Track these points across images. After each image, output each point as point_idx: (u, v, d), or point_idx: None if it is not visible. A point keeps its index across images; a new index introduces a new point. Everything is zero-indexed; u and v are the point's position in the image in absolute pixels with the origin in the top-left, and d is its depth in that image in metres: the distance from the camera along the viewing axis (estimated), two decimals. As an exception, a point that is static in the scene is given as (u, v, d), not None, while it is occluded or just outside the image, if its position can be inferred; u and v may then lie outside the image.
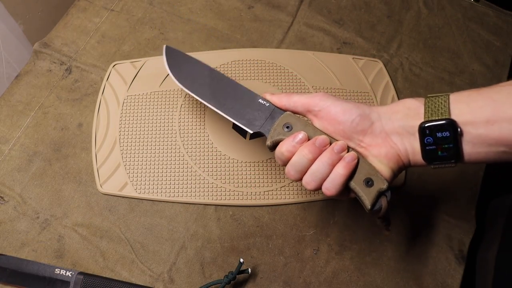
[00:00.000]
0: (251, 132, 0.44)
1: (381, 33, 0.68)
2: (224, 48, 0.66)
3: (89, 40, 0.66)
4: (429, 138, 0.37)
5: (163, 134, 0.59)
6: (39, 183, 0.56)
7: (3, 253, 0.52)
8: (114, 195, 0.56)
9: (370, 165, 0.40)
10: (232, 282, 0.50)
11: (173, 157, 0.58)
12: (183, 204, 0.56)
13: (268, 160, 0.57)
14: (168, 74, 0.62)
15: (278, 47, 0.66)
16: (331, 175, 0.39)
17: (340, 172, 0.39)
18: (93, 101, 0.61)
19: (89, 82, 0.63)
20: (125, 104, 0.61)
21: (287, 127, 0.42)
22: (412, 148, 0.39)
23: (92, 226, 0.54)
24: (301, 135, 0.40)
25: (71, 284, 0.50)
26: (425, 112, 0.38)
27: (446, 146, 0.37)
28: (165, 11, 0.69)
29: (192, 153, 0.58)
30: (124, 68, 0.63)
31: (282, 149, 0.41)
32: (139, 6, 0.69)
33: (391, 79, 0.64)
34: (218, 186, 0.56)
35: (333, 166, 0.39)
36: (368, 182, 0.39)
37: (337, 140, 0.41)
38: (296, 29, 0.68)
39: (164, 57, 0.51)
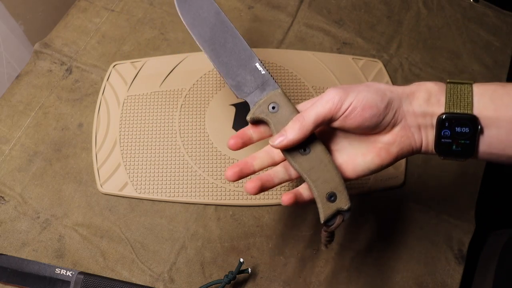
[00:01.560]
0: (238, 97, 0.41)
1: (381, 33, 0.68)
2: (224, 48, 0.66)
3: (89, 40, 0.66)
4: (446, 131, 0.36)
5: (163, 134, 0.59)
6: (39, 183, 0.56)
7: (4, 253, 0.52)
8: (114, 195, 0.56)
9: (341, 180, 0.38)
10: (232, 282, 0.50)
11: (173, 157, 0.58)
12: (183, 204, 0.56)
13: (268, 160, 0.57)
14: (168, 74, 0.63)
15: (278, 47, 0.67)
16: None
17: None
18: (93, 101, 0.62)
19: (89, 82, 0.63)
20: (125, 104, 0.61)
21: (273, 107, 0.39)
22: (427, 138, 0.37)
23: (92, 226, 0.54)
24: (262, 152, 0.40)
25: (72, 284, 0.50)
26: (446, 101, 0.36)
27: (462, 141, 0.36)
28: (165, 11, 0.69)
29: (192, 153, 0.58)
30: (124, 68, 0.64)
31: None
32: (139, 6, 0.69)
33: (391, 79, 0.64)
34: (218, 186, 0.56)
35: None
36: (331, 197, 0.38)
37: None
38: (296, 29, 0.68)
39: None
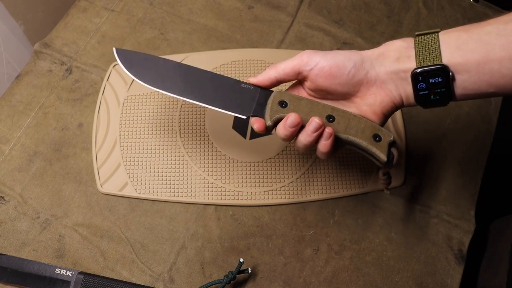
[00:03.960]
0: (245, 117, 0.43)
1: (381, 33, 0.68)
2: (224, 48, 0.66)
3: (89, 40, 0.66)
4: (422, 84, 0.38)
5: (163, 134, 0.59)
6: (39, 183, 0.56)
7: (4, 253, 0.52)
8: (114, 195, 0.56)
9: (371, 122, 0.40)
10: (232, 282, 0.50)
11: (173, 157, 0.58)
12: (183, 204, 0.56)
13: (268, 160, 0.58)
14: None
15: (278, 47, 0.67)
16: (318, 149, 0.40)
17: (321, 150, 0.40)
18: (93, 101, 0.62)
19: (89, 82, 0.63)
20: (125, 104, 0.61)
21: (282, 104, 0.41)
22: (405, 92, 0.39)
23: (92, 226, 0.54)
24: (291, 118, 0.40)
25: (72, 284, 0.50)
26: (416, 57, 0.38)
27: (438, 90, 0.38)
28: (165, 11, 0.69)
29: (192, 153, 0.58)
30: (124, 68, 0.64)
31: (280, 134, 0.41)
32: (139, 6, 0.69)
33: (391, 79, 0.64)
34: (218, 186, 0.56)
35: (313, 142, 0.40)
36: (376, 138, 0.40)
37: (325, 104, 0.41)
38: (296, 29, 0.68)
39: (118, 62, 0.46)
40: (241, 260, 0.50)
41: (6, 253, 0.52)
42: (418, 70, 0.37)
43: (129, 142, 0.59)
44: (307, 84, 0.42)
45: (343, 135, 0.40)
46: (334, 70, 0.39)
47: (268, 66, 0.63)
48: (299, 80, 0.43)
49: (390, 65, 0.39)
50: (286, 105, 0.41)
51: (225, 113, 0.43)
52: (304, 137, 0.40)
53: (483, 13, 0.70)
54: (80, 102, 0.62)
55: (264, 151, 0.58)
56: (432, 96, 0.38)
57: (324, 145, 0.40)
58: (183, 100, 0.61)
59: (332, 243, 0.54)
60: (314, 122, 0.39)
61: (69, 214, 0.55)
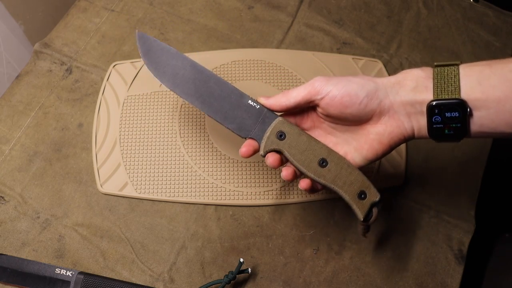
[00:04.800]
0: (243, 137, 0.43)
1: (381, 33, 0.68)
2: (224, 48, 0.66)
3: (89, 41, 0.66)
4: (437, 117, 0.37)
5: (163, 134, 0.59)
6: (39, 183, 0.56)
7: (4, 253, 0.52)
8: (114, 195, 0.56)
9: (363, 177, 0.40)
10: (232, 282, 0.50)
11: (173, 157, 0.58)
12: (183, 204, 0.56)
13: (268, 160, 0.58)
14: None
15: (278, 47, 0.67)
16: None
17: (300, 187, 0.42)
18: (93, 101, 0.62)
19: (89, 82, 0.63)
20: (125, 104, 0.61)
21: (281, 135, 0.41)
22: (418, 125, 0.38)
23: (92, 226, 0.54)
24: (284, 174, 0.42)
25: (72, 284, 0.50)
26: (434, 88, 0.37)
27: (453, 125, 0.36)
28: (165, 11, 0.69)
29: (192, 153, 0.58)
30: (124, 68, 0.64)
31: (268, 163, 0.42)
32: (139, 6, 0.69)
33: (391, 79, 0.64)
34: (218, 186, 0.56)
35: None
36: (362, 195, 0.40)
37: (322, 145, 0.41)
38: (296, 29, 0.68)
39: (138, 45, 0.44)
40: (241, 260, 0.50)
41: (6, 253, 0.52)
42: (435, 103, 0.36)
43: (129, 142, 0.59)
44: (319, 109, 0.41)
45: (330, 185, 0.40)
46: (345, 100, 0.38)
47: (268, 66, 0.64)
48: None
49: (405, 95, 0.38)
50: (284, 138, 0.41)
51: (225, 126, 0.43)
52: (285, 177, 0.41)
53: (483, 13, 0.70)
54: (80, 102, 0.62)
55: (264, 151, 0.58)
56: (446, 131, 0.37)
57: (303, 189, 0.42)
58: (184, 101, 0.61)
59: (332, 243, 0.54)
60: (301, 182, 0.41)
61: (69, 214, 0.55)
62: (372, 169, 0.57)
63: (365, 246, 0.54)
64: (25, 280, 0.50)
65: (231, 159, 0.58)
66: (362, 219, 0.40)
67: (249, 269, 0.51)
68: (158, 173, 0.57)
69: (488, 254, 0.64)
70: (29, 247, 0.53)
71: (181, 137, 0.59)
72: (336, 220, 0.55)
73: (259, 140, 0.42)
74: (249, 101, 0.42)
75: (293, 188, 0.56)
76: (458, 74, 0.36)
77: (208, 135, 0.59)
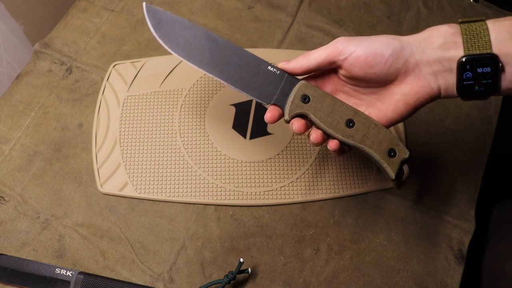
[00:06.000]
0: (265, 104, 0.41)
1: (381, 33, 0.68)
2: (224, 48, 0.66)
3: (89, 40, 0.66)
4: (468, 74, 0.36)
5: (163, 134, 0.59)
6: (39, 183, 0.56)
7: (4, 253, 0.52)
8: (114, 195, 0.56)
9: (391, 135, 0.39)
10: (232, 282, 0.50)
11: (173, 157, 0.58)
12: (183, 204, 0.56)
13: (268, 160, 0.58)
14: (168, 74, 0.63)
15: (278, 47, 0.67)
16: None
17: (329, 149, 0.40)
18: (93, 101, 0.62)
19: (89, 82, 0.63)
20: (125, 104, 0.61)
21: (305, 99, 0.40)
22: (446, 83, 0.37)
23: (92, 226, 0.54)
24: (313, 136, 0.40)
25: (72, 284, 0.50)
26: (463, 43, 0.35)
27: (484, 81, 0.36)
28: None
29: (192, 153, 0.58)
30: (124, 68, 0.64)
31: (293, 129, 0.40)
32: (139, 6, 0.69)
33: (391, 79, 0.64)
34: (218, 186, 0.56)
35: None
36: (391, 153, 0.39)
37: (348, 106, 0.40)
38: (296, 29, 0.68)
39: (146, 18, 0.43)
40: (241, 260, 0.50)
41: (6, 253, 0.52)
42: (466, 58, 0.35)
43: (129, 142, 0.59)
44: (341, 71, 0.40)
45: (359, 145, 0.40)
46: (370, 59, 0.37)
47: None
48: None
49: (433, 53, 0.36)
50: (308, 101, 0.40)
51: (246, 95, 0.42)
52: (315, 140, 0.40)
53: (483, 13, 0.70)
54: (80, 102, 0.62)
55: (264, 151, 0.58)
56: (476, 87, 0.36)
57: (332, 149, 0.40)
58: (184, 101, 0.61)
59: (332, 243, 0.54)
60: (330, 143, 0.40)
61: (69, 214, 0.55)
62: (372, 169, 0.57)
63: (365, 246, 0.54)
64: (25, 280, 0.50)
65: (231, 159, 0.58)
66: (393, 177, 0.40)
67: (249, 269, 0.51)
68: (158, 173, 0.57)
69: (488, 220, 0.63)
70: (29, 247, 0.53)
71: (181, 137, 0.59)
72: (336, 220, 0.55)
73: (282, 106, 0.41)
74: (269, 67, 0.42)
75: (293, 188, 0.56)
76: (487, 29, 0.35)
77: (208, 135, 0.59)
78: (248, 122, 0.59)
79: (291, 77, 0.41)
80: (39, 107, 0.61)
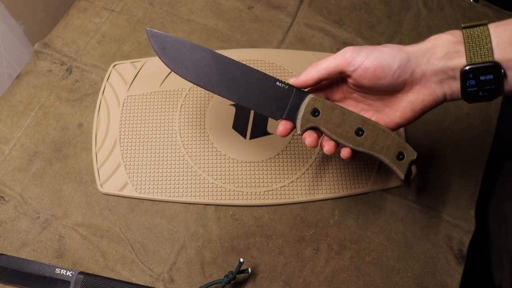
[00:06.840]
0: (276, 120, 0.42)
1: (381, 33, 0.68)
2: (224, 48, 0.66)
3: (89, 40, 0.66)
4: (471, 81, 0.37)
5: (163, 134, 0.59)
6: (39, 183, 0.56)
7: (4, 253, 0.52)
8: (114, 195, 0.56)
9: (399, 139, 0.41)
10: (232, 282, 0.50)
11: (173, 157, 0.58)
12: (183, 204, 0.56)
13: (268, 160, 0.58)
14: (168, 74, 0.63)
15: (278, 47, 0.67)
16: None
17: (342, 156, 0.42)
18: (93, 101, 0.62)
19: (89, 82, 0.63)
20: (125, 104, 0.61)
21: (315, 112, 0.41)
22: (451, 90, 0.38)
23: (92, 226, 0.54)
24: (326, 149, 0.42)
25: (72, 284, 0.50)
26: (466, 52, 0.36)
27: (488, 87, 0.37)
28: (165, 11, 0.69)
29: (192, 153, 0.58)
30: (124, 68, 0.64)
31: (307, 142, 0.42)
32: (139, 6, 0.69)
33: (391, 79, 0.64)
34: (218, 186, 0.56)
35: None
36: (400, 156, 0.41)
37: (357, 115, 0.41)
38: (296, 29, 0.68)
39: (152, 45, 0.43)
40: (241, 260, 0.50)
41: (6, 253, 0.52)
42: (468, 67, 0.36)
43: (129, 142, 0.59)
44: (350, 80, 0.41)
45: (369, 151, 0.41)
46: (378, 72, 0.39)
47: (268, 66, 0.64)
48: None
49: (437, 63, 0.38)
50: (318, 114, 0.41)
51: (258, 112, 0.43)
52: (329, 152, 0.42)
53: (483, 13, 0.70)
54: (80, 102, 0.62)
55: (264, 151, 0.58)
56: (480, 93, 0.37)
57: (345, 158, 0.42)
58: (184, 101, 0.61)
59: (332, 243, 0.54)
60: (342, 152, 0.42)
61: (69, 214, 0.55)
62: (372, 169, 0.57)
63: (365, 246, 0.54)
64: (25, 280, 0.50)
65: (231, 159, 0.58)
66: (403, 178, 0.42)
67: (249, 269, 0.51)
68: (158, 173, 0.57)
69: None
70: (29, 247, 0.53)
71: (181, 137, 0.59)
72: (336, 220, 0.55)
73: (293, 120, 0.42)
74: (277, 83, 0.42)
75: (293, 188, 0.56)
76: (489, 35, 0.36)
77: (208, 135, 0.59)
78: (248, 122, 0.60)
79: (300, 91, 0.42)
80: (39, 107, 0.61)
